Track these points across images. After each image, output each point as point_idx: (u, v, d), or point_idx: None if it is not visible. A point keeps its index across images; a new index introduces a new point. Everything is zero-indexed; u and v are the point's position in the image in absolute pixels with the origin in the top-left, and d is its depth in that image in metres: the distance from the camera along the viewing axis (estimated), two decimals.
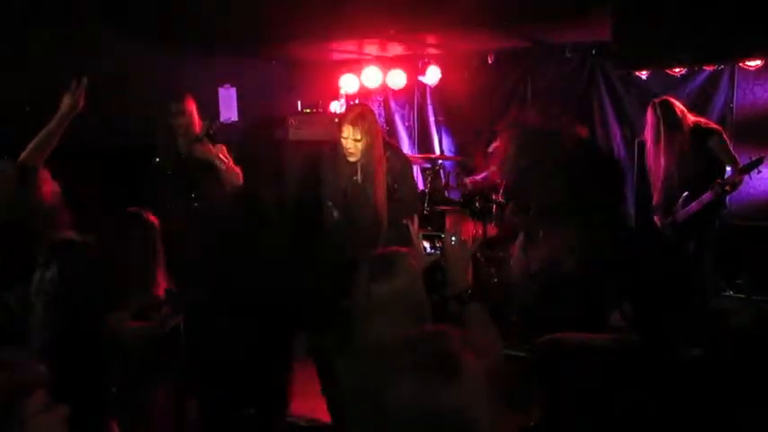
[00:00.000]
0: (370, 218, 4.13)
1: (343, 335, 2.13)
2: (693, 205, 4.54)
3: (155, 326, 2.99)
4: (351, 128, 4.03)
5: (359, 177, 4.15)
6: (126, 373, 2.95)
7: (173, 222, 3.61)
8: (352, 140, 4.03)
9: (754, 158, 4.54)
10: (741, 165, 4.59)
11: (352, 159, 4.10)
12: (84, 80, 3.22)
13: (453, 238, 2.30)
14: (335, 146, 4.17)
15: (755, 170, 4.53)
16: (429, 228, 5.81)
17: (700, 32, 3.64)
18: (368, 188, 4.13)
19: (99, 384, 2.76)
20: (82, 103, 3.23)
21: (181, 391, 3.49)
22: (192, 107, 4.37)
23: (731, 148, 4.69)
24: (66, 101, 3.20)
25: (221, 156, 4.23)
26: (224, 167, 4.21)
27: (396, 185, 4.20)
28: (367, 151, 4.07)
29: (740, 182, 4.55)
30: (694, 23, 3.63)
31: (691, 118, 4.69)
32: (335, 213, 4.27)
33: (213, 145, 4.26)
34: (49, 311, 2.66)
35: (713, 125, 4.80)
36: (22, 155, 3.13)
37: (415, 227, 2.73)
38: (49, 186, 2.91)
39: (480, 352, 2.14)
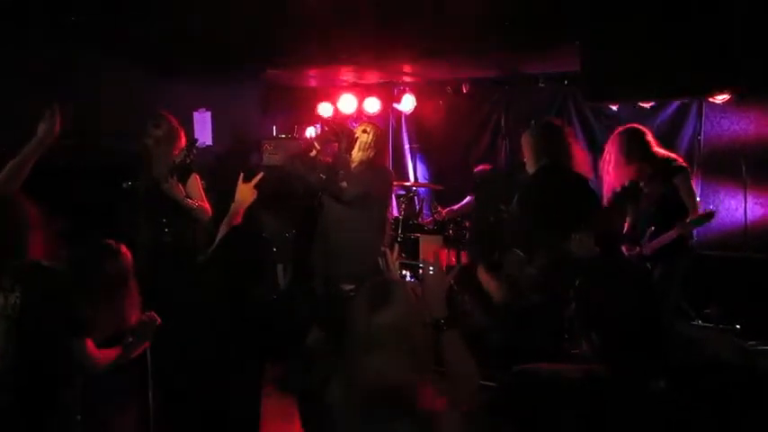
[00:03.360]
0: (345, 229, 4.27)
1: (331, 367, 2.11)
2: (659, 240, 4.55)
3: (120, 353, 2.94)
4: (366, 123, 4.50)
5: (346, 176, 4.25)
6: (91, 400, 2.90)
7: (143, 252, 3.57)
8: (360, 130, 4.38)
9: (707, 210, 4.57)
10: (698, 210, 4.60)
11: (353, 154, 4.32)
12: (57, 107, 3.20)
13: (431, 268, 2.31)
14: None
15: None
16: (403, 255, 5.83)
17: (666, 68, 3.72)
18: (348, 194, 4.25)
19: (63, 411, 2.72)
20: (57, 130, 3.20)
21: (146, 419, 3.44)
22: (170, 128, 4.29)
23: (695, 190, 4.71)
24: (42, 127, 3.17)
25: (190, 196, 4.18)
26: (194, 207, 4.16)
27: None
28: (364, 150, 4.32)
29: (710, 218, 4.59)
30: (661, 59, 3.71)
31: (660, 151, 4.67)
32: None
33: (186, 177, 4.20)
34: (10, 337, 2.61)
35: (681, 163, 4.77)
36: None
37: (393, 255, 2.73)
38: (30, 211, 2.87)
39: (456, 380, 2.15)
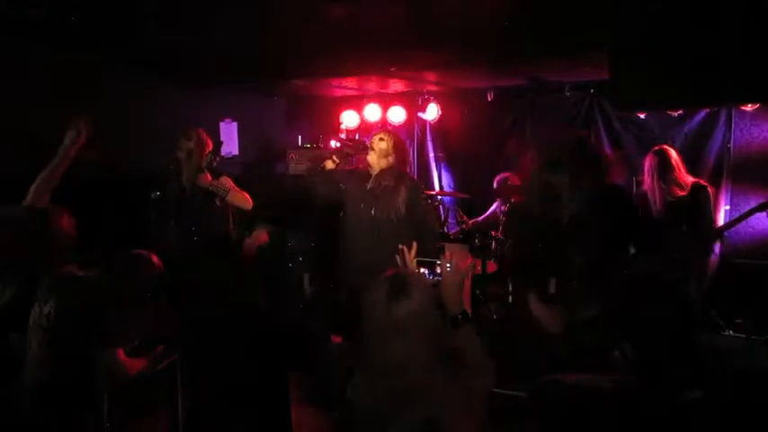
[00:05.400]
0: (371, 237, 4.19)
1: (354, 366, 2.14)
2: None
3: (150, 362, 2.96)
4: (382, 131, 4.38)
5: (368, 184, 4.27)
6: (119, 409, 2.93)
7: (173, 261, 3.60)
8: (377, 139, 4.30)
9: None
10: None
11: (370, 158, 4.27)
12: (84, 116, 3.30)
13: (448, 265, 2.34)
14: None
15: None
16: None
17: (696, 77, 3.66)
18: (374, 200, 4.23)
19: (92, 420, 2.74)
20: (83, 139, 3.29)
21: (175, 428, 3.46)
22: (201, 140, 4.38)
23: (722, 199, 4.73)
24: (69, 135, 3.26)
25: (223, 183, 4.24)
26: (227, 195, 4.21)
27: (413, 210, 4.29)
28: (384, 157, 4.26)
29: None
30: (690, 68, 3.67)
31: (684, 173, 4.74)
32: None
33: (216, 177, 4.28)
34: (44, 346, 2.64)
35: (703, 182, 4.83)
36: (30, 194, 3.14)
37: (412, 253, 2.76)
38: (66, 223, 2.92)
39: (472, 373, 2.15)
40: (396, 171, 4.31)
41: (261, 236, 3.42)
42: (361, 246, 4.26)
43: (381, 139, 4.31)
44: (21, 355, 2.69)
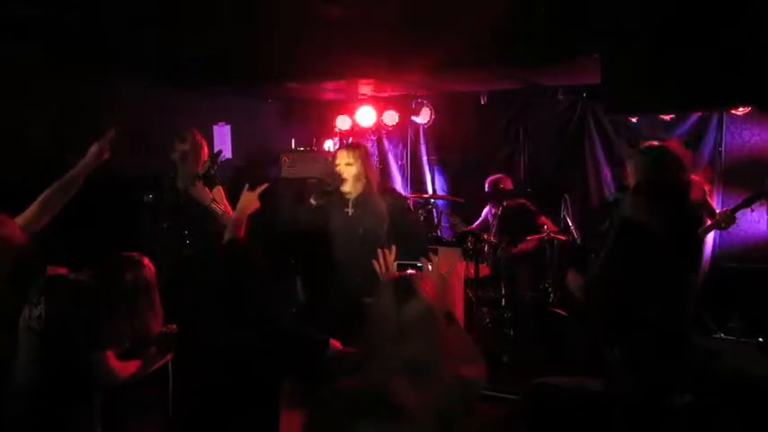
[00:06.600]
0: (361, 254, 4.15)
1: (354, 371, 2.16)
2: None
3: (141, 365, 2.95)
4: (344, 152, 4.26)
5: (350, 210, 4.25)
6: (111, 412, 2.92)
7: (165, 265, 3.58)
8: (344, 164, 4.19)
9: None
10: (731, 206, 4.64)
11: (345, 188, 4.21)
12: (113, 131, 3.17)
13: (430, 266, 2.37)
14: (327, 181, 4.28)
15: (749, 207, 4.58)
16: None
17: (687, 81, 3.69)
18: (359, 223, 4.21)
19: (84, 422, 2.73)
20: (107, 154, 3.16)
21: (167, 429, 3.44)
22: (196, 142, 4.36)
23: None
24: (93, 150, 3.11)
25: (217, 200, 4.21)
26: (219, 212, 4.19)
27: (399, 222, 4.27)
28: (358, 180, 4.20)
29: (733, 221, 4.61)
30: (682, 72, 3.69)
31: None
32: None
33: (211, 188, 4.24)
34: (34, 349, 2.64)
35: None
36: (30, 211, 2.97)
37: (390, 259, 2.77)
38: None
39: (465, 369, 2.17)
40: (372, 190, 4.26)
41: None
42: (352, 262, 4.21)
43: (349, 164, 4.20)
44: (11, 357, 2.68)
